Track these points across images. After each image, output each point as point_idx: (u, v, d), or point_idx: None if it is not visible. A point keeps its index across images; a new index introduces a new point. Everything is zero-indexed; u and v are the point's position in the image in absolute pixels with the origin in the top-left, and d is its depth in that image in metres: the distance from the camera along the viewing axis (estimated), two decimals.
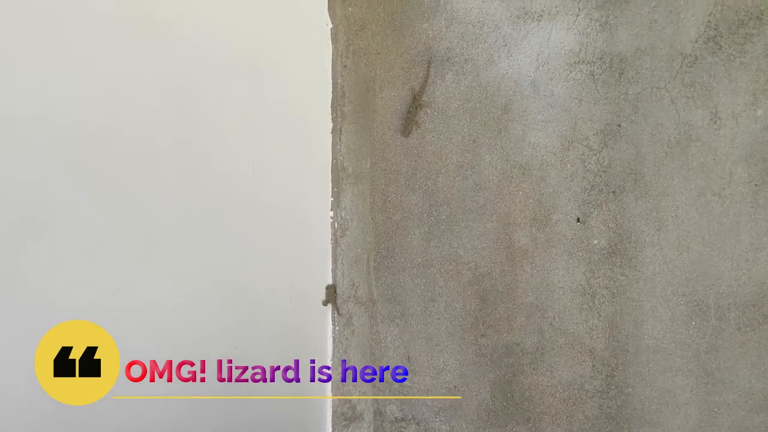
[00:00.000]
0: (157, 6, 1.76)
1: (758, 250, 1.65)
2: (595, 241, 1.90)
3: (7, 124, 1.38)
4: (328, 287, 2.49)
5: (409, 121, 2.28)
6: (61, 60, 1.50)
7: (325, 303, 2.48)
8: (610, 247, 1.87)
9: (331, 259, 2.50)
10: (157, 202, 1.76)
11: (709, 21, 1.73)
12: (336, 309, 2.48)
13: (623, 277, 1.85)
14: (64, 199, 1.50)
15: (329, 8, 2.47)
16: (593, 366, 1.89)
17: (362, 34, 2.41)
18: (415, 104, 2.26)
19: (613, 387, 1.86)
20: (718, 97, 1.72)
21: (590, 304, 1.90)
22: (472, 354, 2.14)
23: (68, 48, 1.51)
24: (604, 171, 1.89)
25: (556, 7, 1.97)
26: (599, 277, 1.89)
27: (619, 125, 1.86)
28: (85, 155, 1.55)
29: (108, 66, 1.61)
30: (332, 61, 2.49)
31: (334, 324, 2.50)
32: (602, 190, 1.89)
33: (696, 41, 1.75)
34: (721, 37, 1.72)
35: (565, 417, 1.94)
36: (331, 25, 2.48)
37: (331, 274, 2.50)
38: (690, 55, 1.76)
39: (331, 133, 2.49)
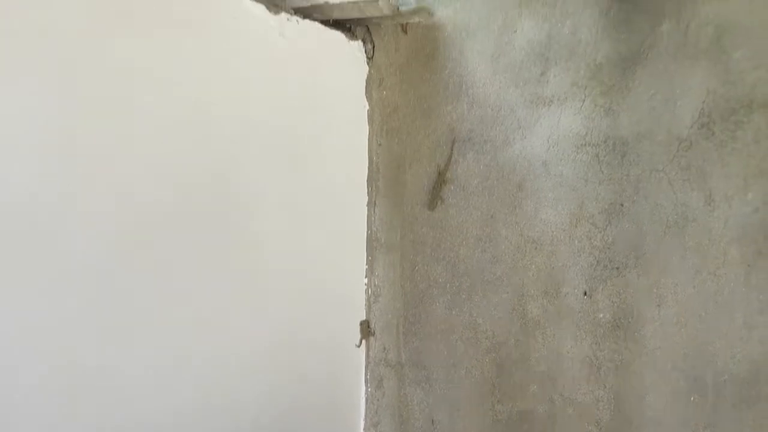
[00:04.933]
0: (201, 86, 2.03)
1: (751, 329, 1.70)
2: (601, 315, 1.98)
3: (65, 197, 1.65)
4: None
5: (434, 196, 2.45)
6: (106, 138, 1.77)
7: (359, 344, 2.64)
8: (615, 321, 1.95)
9: None
10: (198, 272, 2.00)
11: (702, 108, 1.83)
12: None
13: (627, 351, 1.92)
14: (117, 277, 1.76)
15: (366, 92, 2.71)
16: None
17: (395, 116, 2.63)
18: (440, 180, 2.44)
19: None
20: (712, 180, 1.80)
21: (596, 375, 1.97)
22: (489, 419, 2.23)
23: (110, 127, 1.79)
24: (609, 248, 1.98)
25: (564, 93, 2.12)
26: (604, 350, 1.96)
27: (622, 205, 1.96)
28: (132, 231, 1.81)
29: (151, 144, 1.88)
30: (369, 140, 2.71)
31: (366, 386, 2.65)
32: (606, 266, 1.98)
33: (691, 127, 1.85)
34: (714, 123, 1.81)
35: None
36: (368, 107, 2.71)
37: (365, 339, 2.67)
38: (686, 139, 1.86)
39: (367, 205, 2.70)
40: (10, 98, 1.53)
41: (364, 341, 2.66)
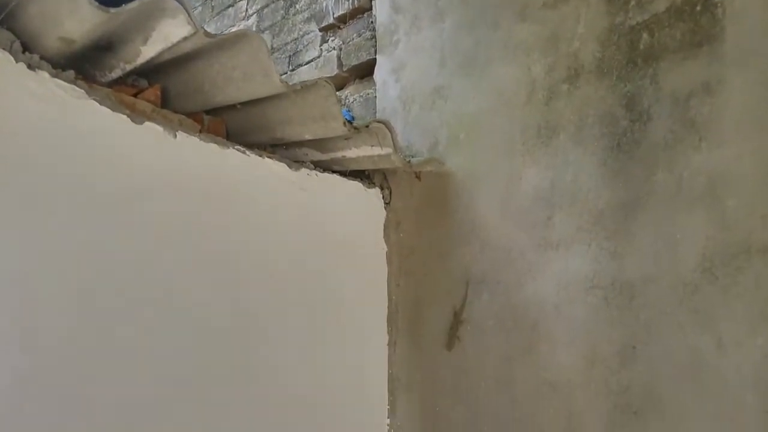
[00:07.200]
0: (228, 237, 2.17)
1: None
2: None
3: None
4: None
5: (451, 336, 2.49)
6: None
7: None
8: None
9: None
10: (216, 412, 2.05)
11: (704, 253, 1.88)
12: None
13: None
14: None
15: (384, 235, 2.83)
16: None
17: (412, 258, 2.73)
18: (456, 321, 2.49)
19: None
20: (720, 324, 1.82)
21: None
22: None
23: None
24: (624, 391, 1.98)
25: (571, 236, 2.20)
26: None
27: (634, 347, 1.98)
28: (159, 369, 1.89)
29: (180, 286, 2.00)
30: (388, 281, 2.80)
31: None
32: (624, 410, 1.97)
33: (695, 271, 1.89)
34: (716, 268, 1.85)
35: None
36: (386, 249, 2.83)
37: None
38: (691, 283, 1.90)
39: (387, 345, 2.74)
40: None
41: None
